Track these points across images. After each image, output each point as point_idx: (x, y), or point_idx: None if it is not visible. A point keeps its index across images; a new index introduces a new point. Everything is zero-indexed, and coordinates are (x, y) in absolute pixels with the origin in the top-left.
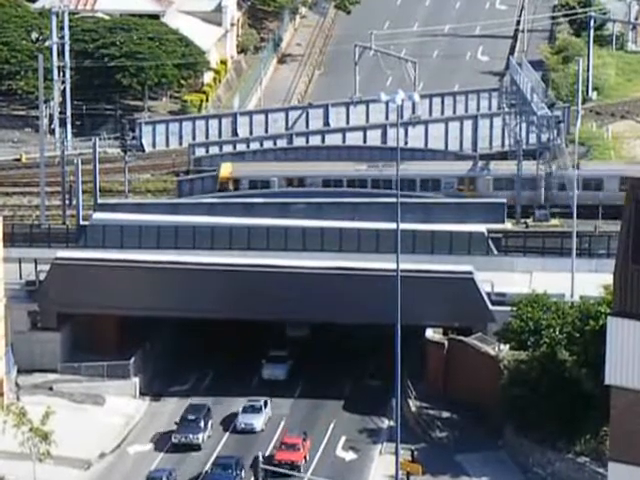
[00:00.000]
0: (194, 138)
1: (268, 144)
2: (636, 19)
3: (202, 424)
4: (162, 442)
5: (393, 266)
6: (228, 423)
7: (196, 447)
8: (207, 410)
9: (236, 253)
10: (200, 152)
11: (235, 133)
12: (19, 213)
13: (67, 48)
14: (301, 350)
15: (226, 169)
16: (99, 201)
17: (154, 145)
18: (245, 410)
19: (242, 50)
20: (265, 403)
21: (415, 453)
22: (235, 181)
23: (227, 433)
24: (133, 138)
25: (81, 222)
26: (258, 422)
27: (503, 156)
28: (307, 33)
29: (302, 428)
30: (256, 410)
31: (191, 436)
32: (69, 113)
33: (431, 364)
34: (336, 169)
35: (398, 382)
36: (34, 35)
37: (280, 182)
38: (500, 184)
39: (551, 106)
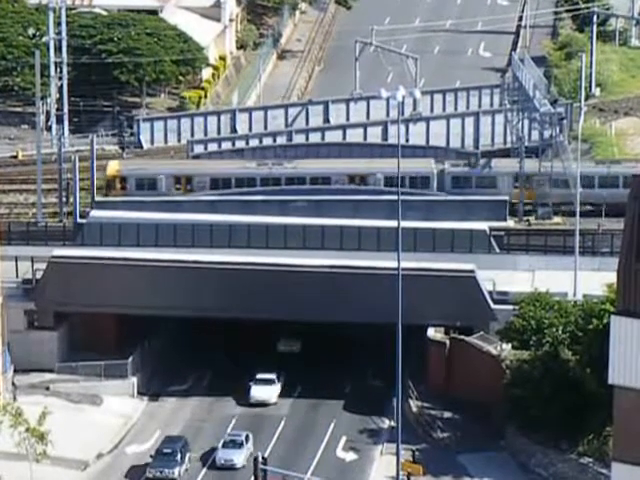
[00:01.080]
0: (193, 135)
1: (267, 141)
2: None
3: (179, 457)
4: (136, 476)
5: (394, 264)
6: (206, 458)
7: None
8: (184, 443)
9: (235, 251)
10: (199, 149)
11: (234, 130)
12: (15, 211)
13: (64, 44)
14: (300, 351)
15: (113, 167)
16: (96, 198)
17: (152, 142)
18: (225, 445)
19: (241, 46)
20: (247, 437)
21: (416, 454)
22: (122, 179)
23: (205, 469)
24: (131, 135)
25: (78, 220)
26: (239, 458)
27: (505, 153)
28: (307, 29)
29: (301, 428)
30: (237, 445)
31: (167, 470)
32: (66, 110)
33: (432, 364)
34: (224, 167)
35: (399, 382)
36: (31, 31)
37: (168, 180)
38: (390, 182)
39: (554, 103)
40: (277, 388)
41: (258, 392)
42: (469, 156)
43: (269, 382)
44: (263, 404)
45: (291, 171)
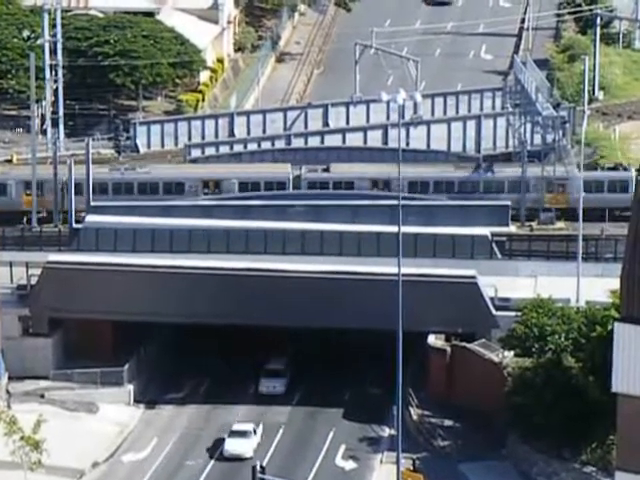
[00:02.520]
0: (190, 139)
1: (266, 145)
2: None
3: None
4: None
5: (394, 270)
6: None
7: None
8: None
9: (233, 257)
10: (196, 153)
11: (232, 134)
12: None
13: (59, 46)
14: (300, 357)
15: None
16: (92, 203)
17: (149, 146)
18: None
19: (239, 48)
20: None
21: (417, 462)
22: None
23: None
24: (127, 139)
25: (74, 225)
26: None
27: (507, 157)
28: (306, 31)
29: (300, 437)
30: (245, 435)
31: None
32: (61, 113)
33: (433, 371)
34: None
35: (399, 389)
36: (25, 33)
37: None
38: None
39: (556, 106)
40: (254, 440)
41: (233, 446)
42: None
43: (244, 434)
44: (238, 458)
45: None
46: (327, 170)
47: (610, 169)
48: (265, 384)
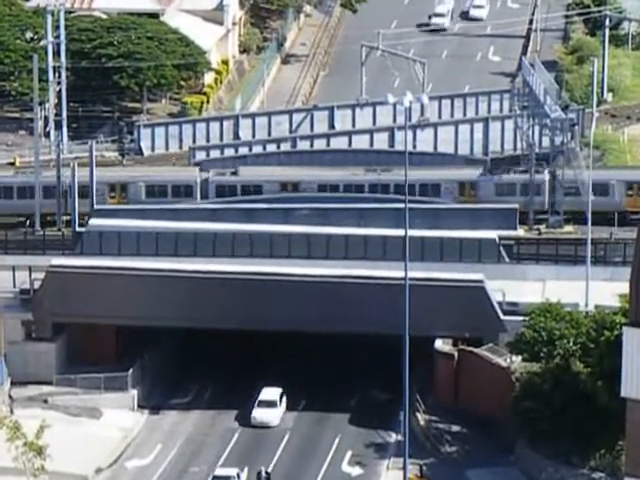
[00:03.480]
0: (194, 141)
1: (271, 147)
2: None
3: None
4: None
5: (401, 274)
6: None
7: None
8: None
9: (238, 260)
10: (201, 156)
11: (237, 136)
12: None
13: (63, 48)
14: (304, 362)
15: None
16: (96, 206)
17: (153, 149)
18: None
19: (244, 50)
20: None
21: (424, 468)
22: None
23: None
24: (131, 141)
25: (77, 228)
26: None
27: (515, 160)
28: (312, 33)
29: (306, 442)
30: (272, 404)
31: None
32: (65, 115)
33: (440, 376)
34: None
35: (406, 395)
36: (29, 34)
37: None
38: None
39: (565, 108)
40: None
41: (260, 414)
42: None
43: (272, 404)
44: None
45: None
46: (235, 174)
47: (523, 172)
48: (258, 415)
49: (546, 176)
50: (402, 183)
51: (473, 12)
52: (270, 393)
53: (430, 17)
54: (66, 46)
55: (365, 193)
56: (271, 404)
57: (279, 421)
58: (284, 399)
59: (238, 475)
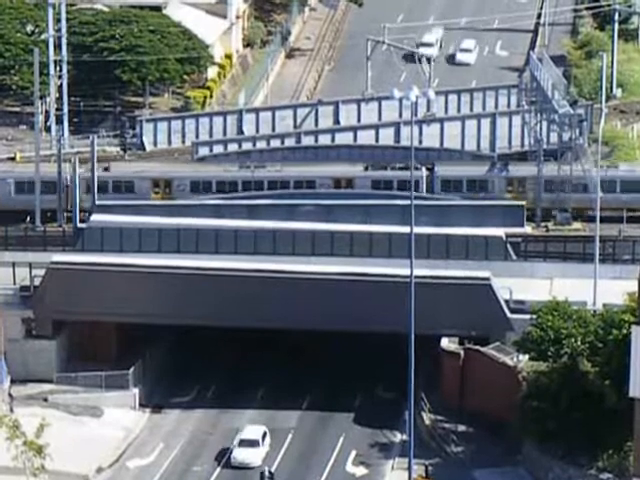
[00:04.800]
0: (197, 136)
1: (275, 143)
2: None
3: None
4: None
5: (406, 272)
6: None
7: None
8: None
9: (242, 257)
10: (204, 151)
11: (241, 131)
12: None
13: (64, 41)
14: (308, 360)
15: None
16: (97, 202)
17: (155, 144)
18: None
19: (248, 44)
20: (264, 435)
21: (429, 468)
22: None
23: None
24: (133, 136)
25: (78, 224)
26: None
27: (522, 156)
28: (317, 26)
29: (310, 442)
30: (254, 444)
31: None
32: (66, 110)
33: (446, 375)
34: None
35: (411, 394)
36: (29, 28)
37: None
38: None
39: (573, 104)
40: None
41: (241, 455)
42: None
43: (253, 444)
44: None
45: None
46: (107, 170)
47: (401, 169)
48: (239, 454)
49: (423, 172)
50: (278, 180)
51: (460, 57)
52: (252, 432)
53: (417, 46)
54: (67, 39)
55: (238, 191)
56: (253, 443)
57: (261, 462)
58: (267, 438)
59: (264, 435)
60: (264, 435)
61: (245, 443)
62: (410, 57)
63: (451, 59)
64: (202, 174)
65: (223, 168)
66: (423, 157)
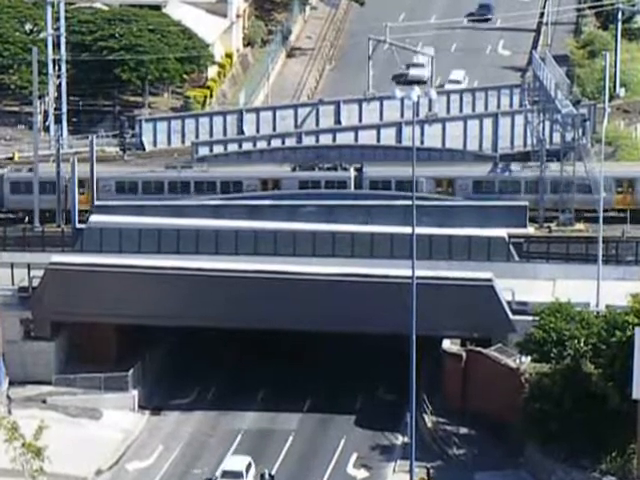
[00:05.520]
0: (197, 136)
1: (276, 143)
2: None
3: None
4: None
5: (408, 273)
6: None
7: None
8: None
9: (242, 258)
10: (204, 151)
11: (241, 131)
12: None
13: (63, 40)
14: (308, 362)
15: None
16: (96, 202)
17: (155, 144)
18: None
19: (248, 43)
20: (248, 466)
21: (431, 471)
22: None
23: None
24: (133, 136)
25: (77, 225)
26: None
27: (525, 156)
28: (318, 25)
29: (311, 444)
30: (237, 476)
31: None
32: (65, 109)
33: (448, 377)
34: None
35: (413, 396)
36: (28, 26)
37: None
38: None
39: (576, 103)
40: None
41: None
42: None
43: (237, 476)
44: None
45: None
46: (32, 170)
47: (329, 169)
48: None
49: (351, 173)
50: (205, 181)
51: (448, 87)
52: (236, 463)
53: (408, 67)
54: (66, 38)
55: (164, 192)
56: (236, 475)
57: None
58: (252, 469)
59: (249, 466)
60: (248, 466)
61: (228, 475)
62: (401, 78)
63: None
64: (127, 175)
65: (149, 168)
66: (425, 157)
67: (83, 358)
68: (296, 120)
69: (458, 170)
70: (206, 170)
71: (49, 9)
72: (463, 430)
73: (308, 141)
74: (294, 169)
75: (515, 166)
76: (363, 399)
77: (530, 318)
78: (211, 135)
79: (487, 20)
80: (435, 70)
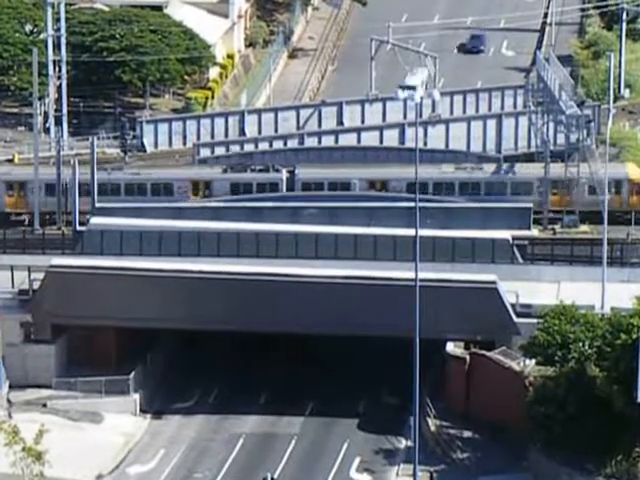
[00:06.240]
0: (199, 138)
1: (278, 144)
2: None
3: None
4: None
5: (412, 275)
6: None
7: None
8: None
9: (244, 261)
10: (205, 153)
11: (243, 132)
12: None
13: (63, 41)
14: (311, 365)
15: None
16: (97, 204)
17: (156, 145)
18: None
19: (250, 44)
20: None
21: (434, 475)
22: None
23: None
24: (134, 137)
25: (78, 227)
26: None
27: (529, 157)
28: (320, 26)
29: (313, 448)
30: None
31: None
32: (65, 111)
33: (452, 380)
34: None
35: (416, 399)
36: (28, 27)
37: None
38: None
39: (581, 104)
40: None
41: None
42: None
43: None
44: None
45: None
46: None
47: (260, 171)
48: None
49: (283, 175)
50: (135, 183)
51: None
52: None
53: (403, 89)
54: (67, 39)
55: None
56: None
57: None
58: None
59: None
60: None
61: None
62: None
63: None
64: (55, 176)
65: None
66: (428, 158)
67: (84, 361)
68: (298, 121)
69: (391, 172)
70: (137, 173)
71: (49, 10)
72: (466, 434)
73: (310, 142)
74: (225, 171)
75: (447, 167)
76: (366, 402)
77: (534, 321)
78: (213, 137)
79: (479, 52)
80: (438, 74)
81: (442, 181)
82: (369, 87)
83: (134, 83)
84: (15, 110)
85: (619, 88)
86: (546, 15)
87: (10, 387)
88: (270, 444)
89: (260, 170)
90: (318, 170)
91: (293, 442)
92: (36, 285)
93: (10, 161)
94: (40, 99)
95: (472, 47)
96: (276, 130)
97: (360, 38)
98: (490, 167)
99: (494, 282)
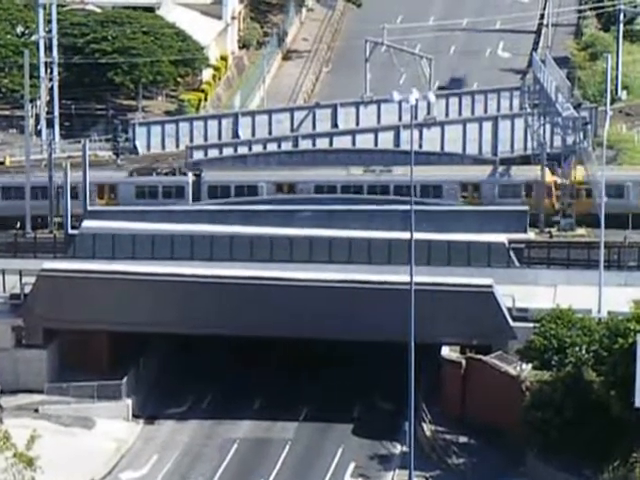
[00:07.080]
0: (192, 140)
1: (272, 147)
2: None
3: None
4: None
5: (407, 279)
6: None
7: None
8: None
9: (237, 264)
10: (198, 155)
11: (236, 135)
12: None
13: (55, 43)
14: (305, 370)
15: None
16: (89, 208)
17: (149, 147)
18: None
19: (244, 45)
20: None
21: None
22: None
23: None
24: (126, 140)
25: (70, 230)
26: None
27: (525, 160)
28: (314, 27)
29: (307, 454)
30: None
31: None
32: (57, 113)
33: (447, 385)
34: None
35: (412, 404)
36: (19, 29)
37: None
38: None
39: (577, 106)
40: None
41: None
42: None
43: None
44: None
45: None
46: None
47: (166, 174)
48: None
49: (189, 178)
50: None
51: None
52: None
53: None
54: (58, 41)
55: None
56: None
57: None
58: None
59: None
60: None
61: None
62: None
63: None
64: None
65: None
66: (423, 161)
67: (76, 366)
68: (292, 124)
69: (299, 174)
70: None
71: (41, 11)
72: (462, 439)
73: (305, 145)
74: (131, 174)
75: (355, 169)
76: (361, 407)
77: (531, 325)
78: (206, 139)
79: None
80: (434, 75)
81: (349, 184)
82: (364, 89)
83: (126, 85)
84: (6, 112)
85: (616, 90)
86: (542, 16)
87: (1, 392)
88: (264, 449)
89: (166, 174)
90: (225, 173)
91: (287, 447)
92: (28, 289)
93: (1, 164)
94: (32, 101)
95: (451, 89)
96: (270, 132)
97: (355, 39)
98: (399, 169)
99: (490, 286)
